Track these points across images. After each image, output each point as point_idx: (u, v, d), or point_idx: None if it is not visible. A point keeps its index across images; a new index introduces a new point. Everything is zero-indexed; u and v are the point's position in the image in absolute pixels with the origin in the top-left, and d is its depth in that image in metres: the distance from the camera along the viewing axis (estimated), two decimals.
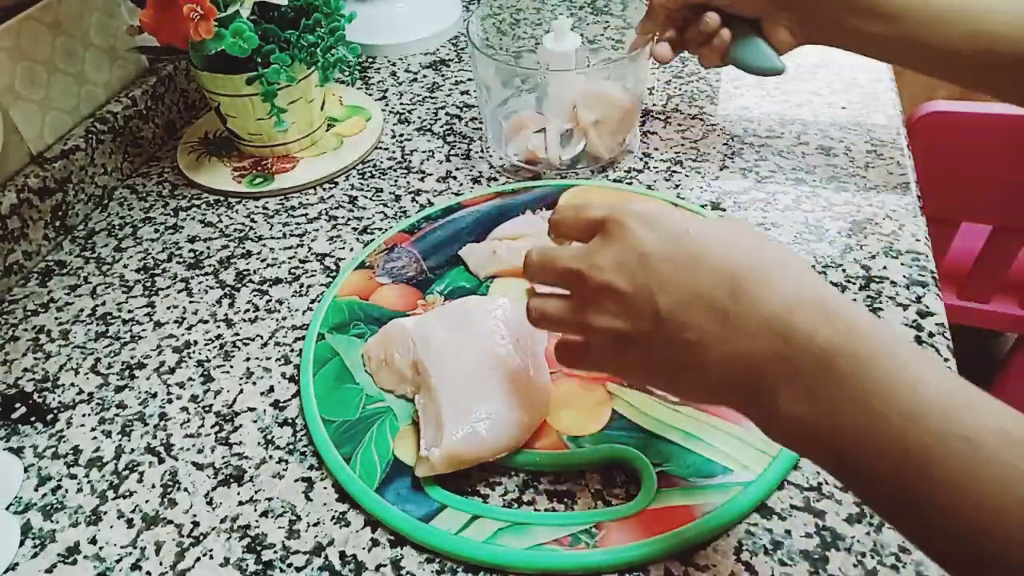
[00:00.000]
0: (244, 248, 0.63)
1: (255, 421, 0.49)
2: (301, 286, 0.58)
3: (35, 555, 0.42)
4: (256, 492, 0.44)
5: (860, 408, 0.27)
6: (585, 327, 0.35)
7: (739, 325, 0.30)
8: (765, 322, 0.29)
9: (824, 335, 0.28)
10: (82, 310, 0.58)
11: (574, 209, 0.37)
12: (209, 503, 0.44)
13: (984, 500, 0.25)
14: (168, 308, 0.58)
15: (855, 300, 0.52)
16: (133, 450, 0.47)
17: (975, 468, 0.25)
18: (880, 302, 0.52)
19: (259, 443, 0.47)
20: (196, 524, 0.43)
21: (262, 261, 0.61)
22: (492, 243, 0.57)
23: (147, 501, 0.44)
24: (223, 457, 0.47)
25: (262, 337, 0.54)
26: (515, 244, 0.56)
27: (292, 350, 0.53)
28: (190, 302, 0.58)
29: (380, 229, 0.63)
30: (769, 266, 0.31)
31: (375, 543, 0.41)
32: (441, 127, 0.74)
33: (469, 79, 0.81)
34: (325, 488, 0.44)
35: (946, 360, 0.48)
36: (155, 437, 0.48)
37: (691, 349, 0.31)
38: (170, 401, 0.50)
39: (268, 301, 0.57)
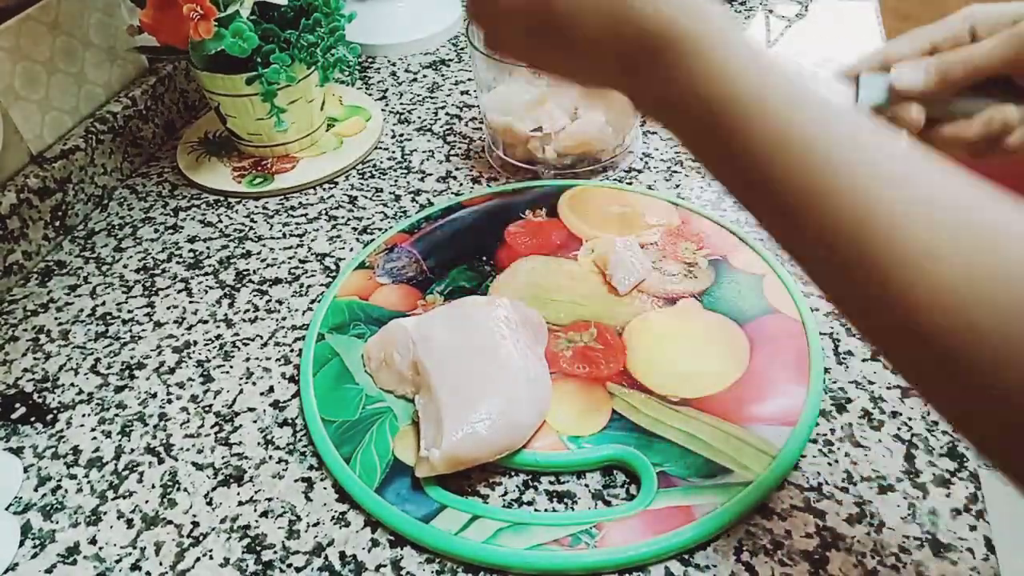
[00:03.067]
0: (244, 248, 0.63)
1: (255, 421, 0.49)
2: (301, 286, 0.58)
3: (35, 555, 0.42)
4: (256, 492, 0.44)
5: (688, 82, 0.31)
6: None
7: (619, 17, 0.32)
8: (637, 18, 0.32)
9: (681, 24, 0.31)
10: (82, 310, 0.58)
11: None
12: (209, 503, 0.44)
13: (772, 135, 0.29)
14: (168, 308, 0.58)
15: None
16: (133, 450, 0.47)
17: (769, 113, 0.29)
18: None
19: (259, 443, 0.47)
20: (196, 524, 0.43)
21: (262, 261, 0.61)
22: None
23: (147, 501, 0.44)
24: (223, 457, 0.47)
25: (262, 337, 0.54)
26: None
27: (292, 350, 0.53)
28: (190, 302, 0.58)
29: (380, 229, 0.63)
30: None
31: (375, 543, 0.41)
32: (441, 127, 0.74)
33: (469, 79, 0.81)
34: (325, 488, 0.44)
35: None
36: (155, 437, 0.48)
37: (573, 47, 0.34)
38: (170, 401, 0.50)
39: (268, 301, 0.57)
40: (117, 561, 0.42)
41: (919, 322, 0.26)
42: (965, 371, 0.25)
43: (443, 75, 0.83)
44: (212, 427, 0.48)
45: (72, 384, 0.52)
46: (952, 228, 0.26)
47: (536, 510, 0.42)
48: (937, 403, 0.28)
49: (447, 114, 0.76)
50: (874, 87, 0.39)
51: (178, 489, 0.45)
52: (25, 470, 0.47)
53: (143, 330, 0.56)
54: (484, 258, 0.57)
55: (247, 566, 0.41)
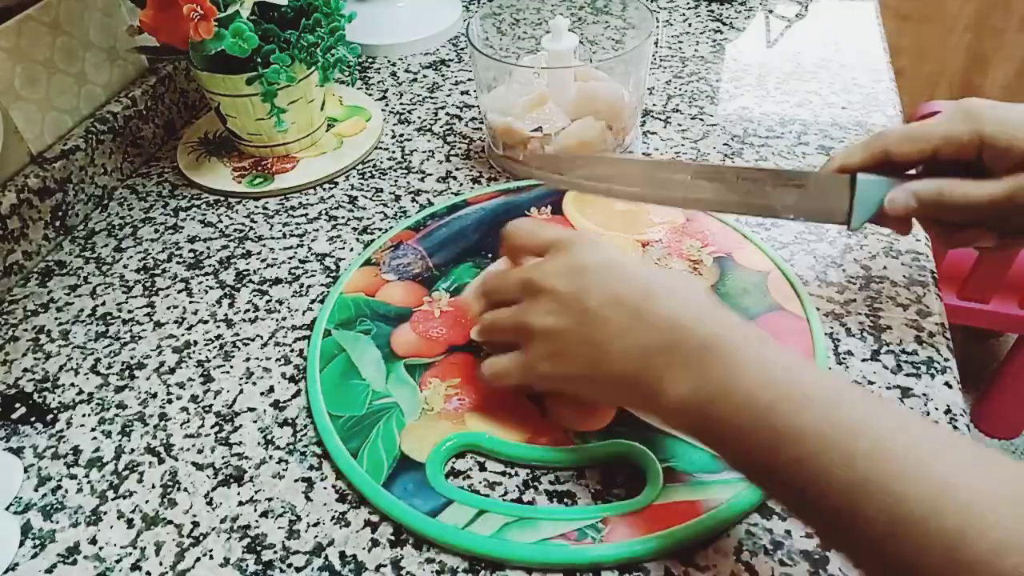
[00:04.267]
0: (244, 248, 0.63)
1: (255, 421, 0.49)
2: (301, 286, 0.58)
3: (35, 555, 0.42)
4: (256, 492, 0.44)
5: (729, 379, 0.33)
6: (524, 326, 0.41)
7: (642, 319, 0.37)
8: (662, 318, 0.36)
9: (707, 327, 0.35)
10: (82, 310, 0.58)
11: (529, 232, 0.44)
12: (209, 503, 0.44)
13: (807, 449, 0.30)
14: (168, 308, 0.58)
15: (855, 300, 0.52)
16: (133, 450, 0.47)
17: (808, 421, 0.30)
18: (880, 302, 0.52)
19: (259, 443, 0.47)
20: (196, 524, 0.43)
21: (262, 261, 0.61)
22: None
23: (147, 501, 0.44)
24: (223, 457, 0.47)
25: (262, 337, 0.54)
26: None
27: (292, 350, 0.53)
28: (190, 302, 0.58)
29: (380, 229, 0.63)
30: (676, 282, 0.38)
31: (375, 543, 0.41)
32: (441, 127, 0.74)
33: (469, 79, 0.81)
34: (325, 488, 0.44)
35: (946, 360, 0.48)
36: (155, 437, 0.48)
37: (604, 341, 0.38)
38: (170, 401, 0.50)
39: (268, 301, 0.57)
40: (117, 561, 0.42)
41: None
42: None
43: (443, 75, 0.83)
44: (212, 427, 0.48)
45: (72, 384, 0.52)
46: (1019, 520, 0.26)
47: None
48: None
49: (447, 114, 0.76)
50: (871, 192, 0.45)
51: (178, 489, 0.45)
52: (25, 470, 0.47)
53: (143, 330, 0.56)
54: (489, 255, 0.57)
55: (247, 566, 0.41)
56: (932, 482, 0.27)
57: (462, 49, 0.87)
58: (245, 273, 0.60)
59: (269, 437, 0.47)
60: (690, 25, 0.87)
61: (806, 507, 0.31)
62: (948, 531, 0.26)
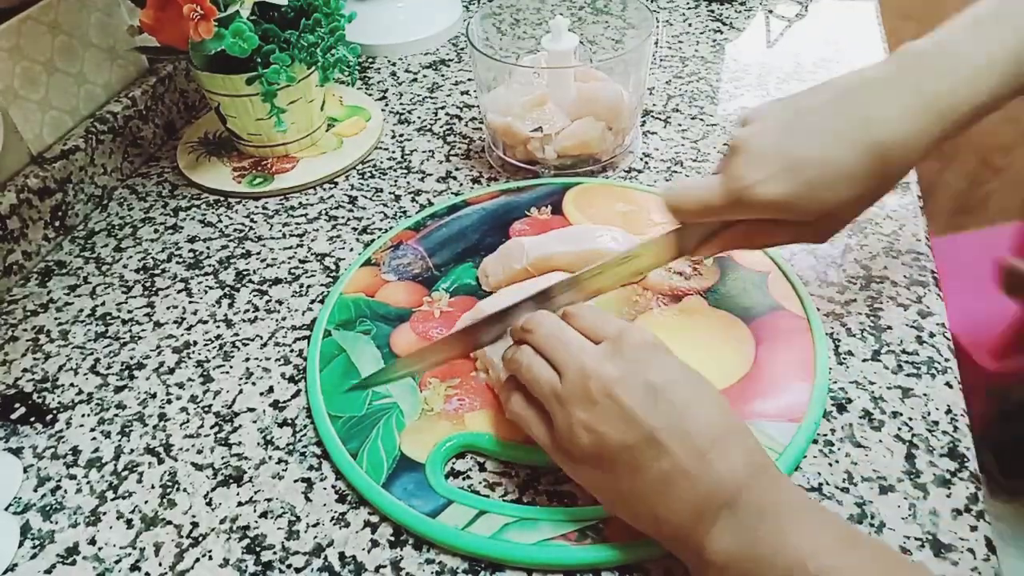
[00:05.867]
0: (244, 248, 0.62)
1: (255, 421, 0.48)
2: (301, 286, 0.58)
3: (34, 556, 0.42)
4: (255, 493, 0.44)
5: (773, 540, 0.33)
6: (567, 414, 0.38)
7: (708, 471, 0.35)
8: (728, 474, 0.35)
9: (760, 491, 0.34)
10: (82, 310, 0.58)
11: (593, 313, 0.42)
12: (208, 504, 0.44)
13: None
14: (168, 308, 0.58)
15: (855, 300, 0.52)
16: (132, 450, 0.47)
17: None
18: (880, 302, 0.52)
19: (258, 443, 0.47)
20: (195, 525, 0.43)
21: (262, 261, 0.61)
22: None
23: (146, 502, 0.44)
24: (222, 458, 0.46)
25: (262, 337, 0.54)
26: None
27: (292, 350, 0.53)
28: (190, 302, 0.58)
29: (380, 229, 0.63)
30: (740, 431, 0.37)
31: (375, 544, 0.41)
32: (441, 127, 0.74)
33: (469, 79, 0.81)
34: (325, 489, 0.44)
35: (946, 360, 0.48)
36: (154, 437, 0.48)
37: (664, 480, 0.35)
38: (169, 401, 0.50)
39: (268, 301, 0.57)
40: (116, 562, 0.42)
41: None
42: None
43: (443, 75, 0.83)
44: (212, 427, 0.48)
45: (72, 384, 0.52)
46: None
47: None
48: None
49: (447, 114, 0.76)
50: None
51: (178, 489, 0.45)
52: (25, 470, 0.47)
53: (143, 330, 0.56)
54: (489, 256, 0.57)
55: (246, 567, 0.41)
56: None
57: (462, 49, 0.87)
58: (245, 273, 0.60)
59: (269, 437, 0.47)
60: (690, 25, 0.87)
61: None
62: None
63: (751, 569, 0.33)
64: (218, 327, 0.55)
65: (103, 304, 0.59)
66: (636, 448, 0.36)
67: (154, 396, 0.51)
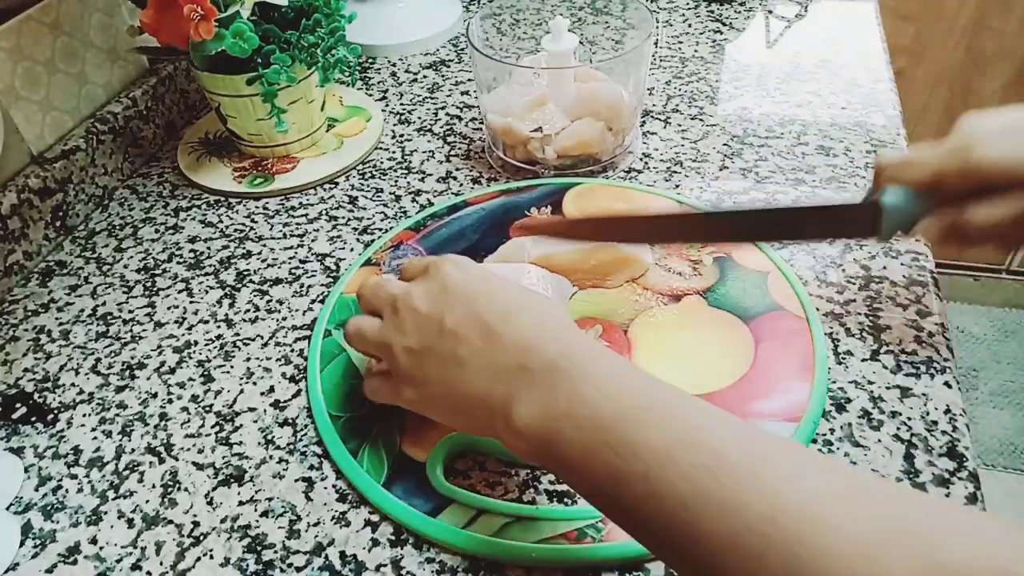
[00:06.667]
0: (244, 248, 0.63)
1: (255, 421, 0.49)
2: (301, 286, 0.58)
3: (35, 555, 0.42)
4: (256, 492, 0.44)
5: (575, 396, 0.32)
6: (386, 344, 0.40)
7: (497, 340, 0.36)
8: (516, 338, 0.36)
9: (558, 346, 0.35)
10: (82, 310, 0.58)
11: (419, 260, 0.44)
12: (209, 503, 0.44)
13: (650, 460, 0.29)
14: (168, 308, 0.58)
15: (854, 300, 0.52)
16: (133, 450, 0.47)
17: (651, 434, 0.30)
18: (880, 302, 0.52)
19: (259, 443, 0.47)
20: (196, 524, 0.43)
21: (262, 261, 0.61)
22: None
23: (147, 501, 0.45)
24: (223, 457, 0.47)
25: (262, 337, 0.54)
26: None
27: (292, 350, 0.53)
28: (190, 302, 0.58)
29: (380, 229, 0.63)
30: (534, 303, 0.38)
31: (375, 543, 0.41)
32: (441, 127, 0.74)
33: (469, 79, 0.81)
34: (325, 488, 0.44)
35: (946, 360, 0.48)
36: (155, 437, 0.48)
37: (460, 362, 0.37)
38: (170, 401, 0.50)
39: (268, 301, 0.57)
40: (118, 561, 0.42)
41: None
42: None
43: (443, 75, 0.83)
44: (212, 427, 0.48)
45: (73, 384, 0.52)
46: (893, 534, 0.25)
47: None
48: None
49: (447, 114, 0.76)
50: (898, 198, 0.43)
51: (179, 489, 0.45)
52: (26, 470, 0.47)
53: (144, 330, 0.56)
54: (489, 255, 0.57)
55: (247, 566, 0.41)
56: (768, 490, 0.27)
57: (462, 49, 0.87)
58: (245, 273, 0.60)
59: (269, 437, 0.47)
60: (690, 25, 0.87)
61: (649, 521, 0.30)
62: (786, 538, 0.26)
63: (557, 429, 0.32)
64: (219, 327, 0.56)
65: (104, 304, 0.59)
66: (437, 346, 0.37)
67: (155, 396, 0.51)
